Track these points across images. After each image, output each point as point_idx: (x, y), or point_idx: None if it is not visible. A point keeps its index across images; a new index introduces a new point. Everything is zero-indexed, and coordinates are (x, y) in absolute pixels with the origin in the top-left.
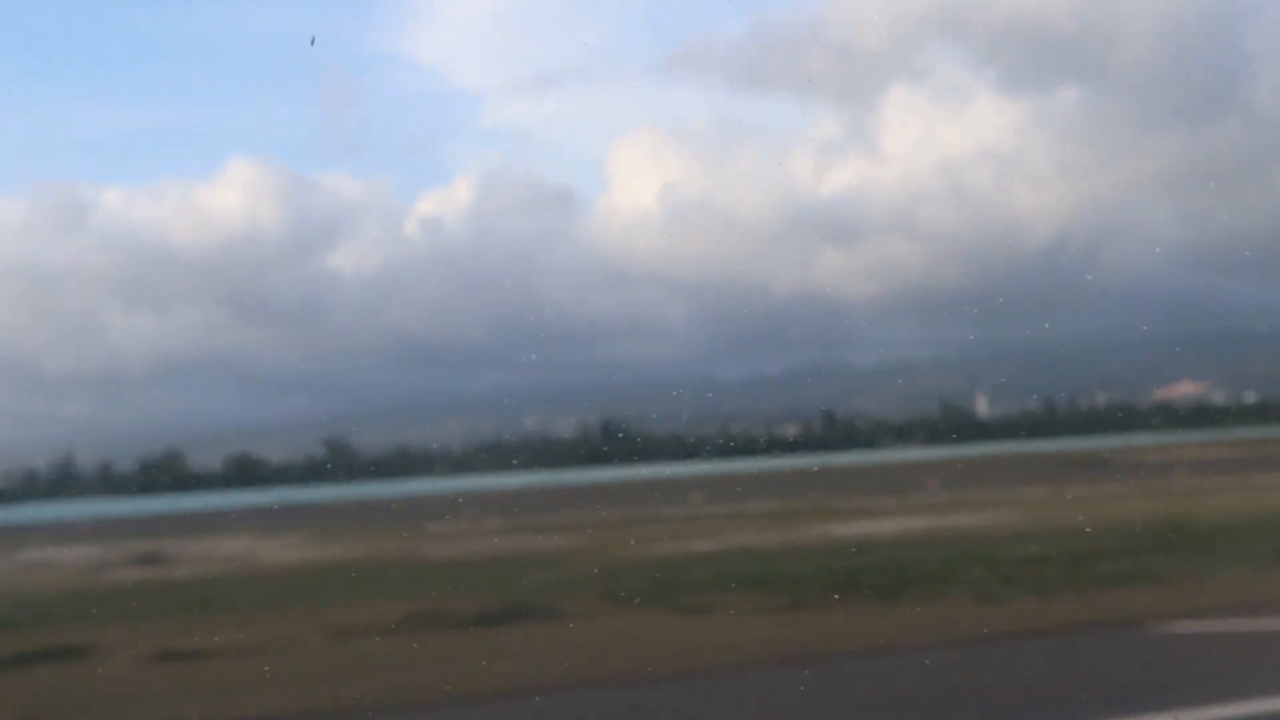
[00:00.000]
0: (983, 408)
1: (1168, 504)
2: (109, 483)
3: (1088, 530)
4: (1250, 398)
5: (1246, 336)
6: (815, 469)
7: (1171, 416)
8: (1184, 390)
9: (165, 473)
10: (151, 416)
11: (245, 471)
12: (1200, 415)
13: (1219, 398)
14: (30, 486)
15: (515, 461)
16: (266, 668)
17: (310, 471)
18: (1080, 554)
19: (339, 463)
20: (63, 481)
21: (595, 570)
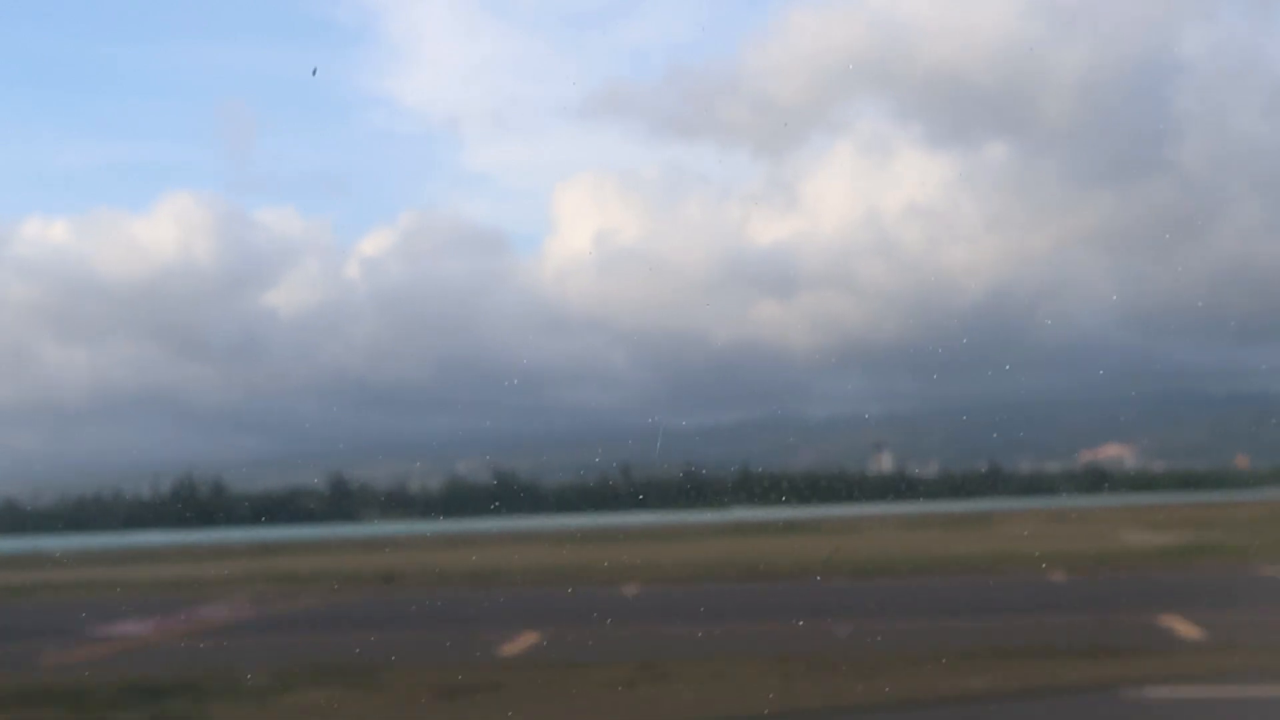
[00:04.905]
0: (886, 466)
1: None
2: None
3: None
4: (1179, 464)
5: (1183, 399)
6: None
7: (1096, 479)
8: (1110, 453)
9: (106, 508)
10: (91, 451)
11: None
12: (1126, 478)
13: (1149, 461)
14: None
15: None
16: None
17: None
18: None
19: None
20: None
21: None
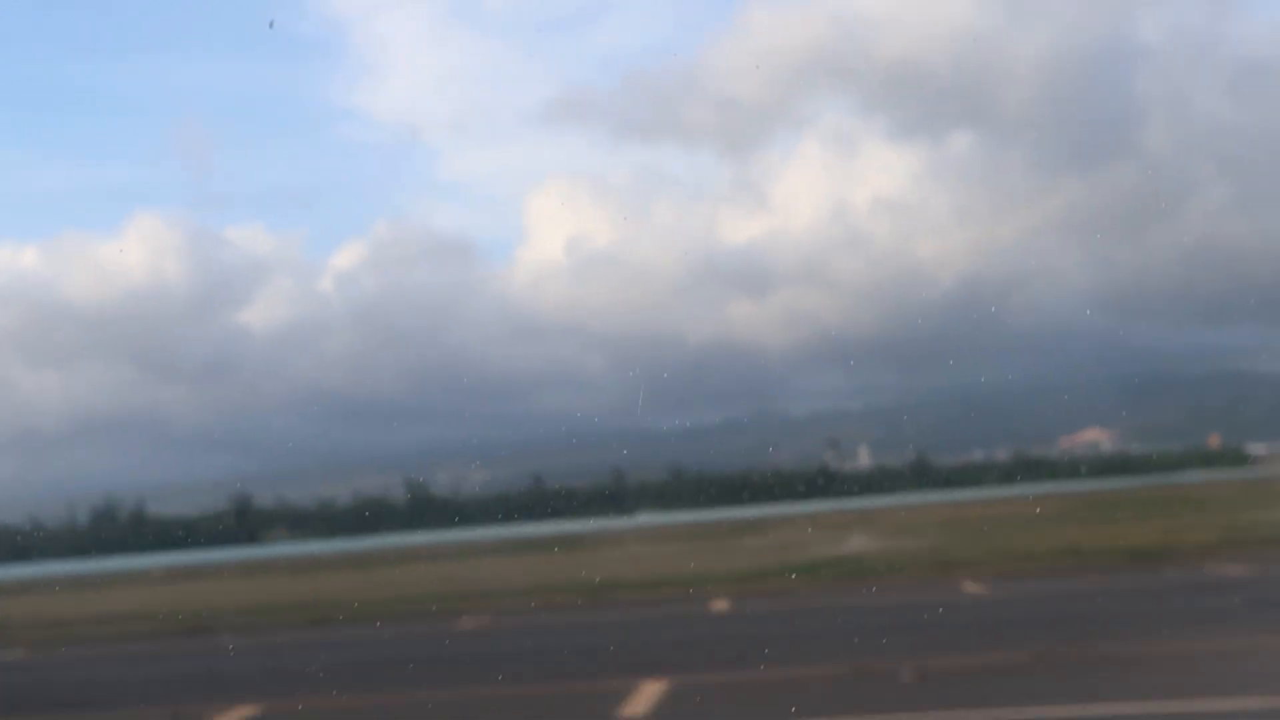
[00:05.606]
0: (865, 460)
1: None
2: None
3: None
4: (1161, 445)
5: (1159, 381)
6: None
7: (1077, 464)
8: (1090, 437)
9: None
10: (71, 475)
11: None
12: (1106, 462)
13: (1127, 445)
14: None
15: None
16: None
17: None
18: None
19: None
20: None
21: None
